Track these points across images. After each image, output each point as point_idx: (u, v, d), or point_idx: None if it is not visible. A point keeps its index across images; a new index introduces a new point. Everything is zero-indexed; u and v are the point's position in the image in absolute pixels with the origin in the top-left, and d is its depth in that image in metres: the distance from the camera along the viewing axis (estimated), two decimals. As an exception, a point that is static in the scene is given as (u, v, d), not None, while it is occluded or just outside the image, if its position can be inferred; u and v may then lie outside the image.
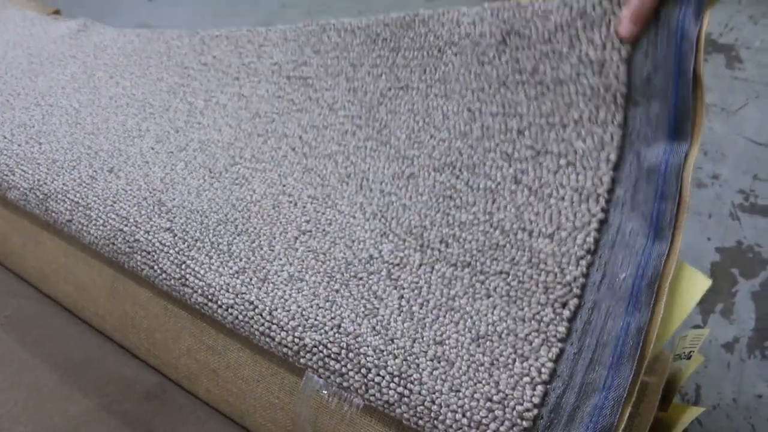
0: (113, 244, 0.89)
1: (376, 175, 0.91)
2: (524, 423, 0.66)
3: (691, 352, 0.82)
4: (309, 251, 0.84)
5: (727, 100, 1.91)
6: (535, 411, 0.67)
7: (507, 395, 0.68)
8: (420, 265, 0.81)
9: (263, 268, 0.81)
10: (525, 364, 0.70)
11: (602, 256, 0.75)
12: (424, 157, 0.89)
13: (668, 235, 0.70)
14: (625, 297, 0.70)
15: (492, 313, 0.75)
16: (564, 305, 0.73)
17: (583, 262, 0.74)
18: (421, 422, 0.69)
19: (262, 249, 0.84)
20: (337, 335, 0.74)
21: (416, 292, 0.78)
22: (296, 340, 0.75)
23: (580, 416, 0.66)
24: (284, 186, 0.94)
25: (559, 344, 0.71)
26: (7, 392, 0.98)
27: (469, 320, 0.75)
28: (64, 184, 0.95)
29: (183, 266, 0.83)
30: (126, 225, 0.88)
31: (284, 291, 0.78)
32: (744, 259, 1.42)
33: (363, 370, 0.72)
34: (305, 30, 1.11)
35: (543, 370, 0.70)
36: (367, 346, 0.72)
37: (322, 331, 0.74)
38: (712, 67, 2.07)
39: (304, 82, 1.05)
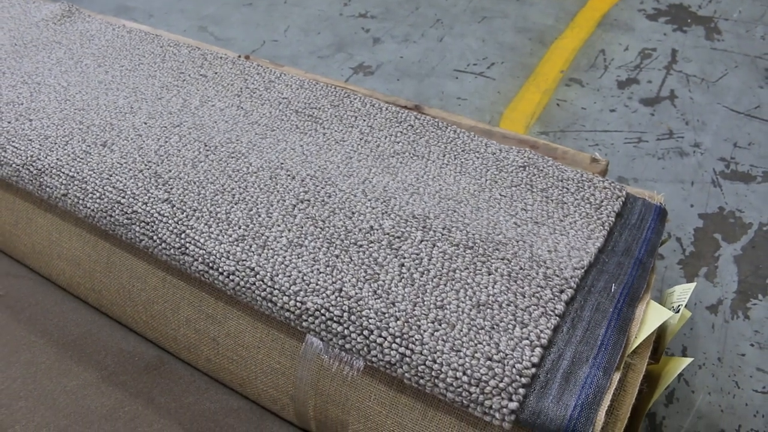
0: (111, 216, 0.89)
1: (380, 182, 0.94)
2: (523, 380, 0.68)
3: (680, 306, 0.84)
4: (307, 218, 0.85)
5: (706, 70, 1.94)
6: (534, 370, 0.69)
7: (507, 355, 0.70)
8: (421, 241, 0.83)
9: (262, 234, 0.83)
10: (525, 329, 0.73)
11: (598, 268, 0.83)
12: (433, 194, 0.93)
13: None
14: (612, 301, 0.79)
15: (493, 287, 0.78)
16: (561, 291, 0.78)
17: (579, 272, 0.81)
18: (422, 381, 0.71)
19: (260, 216, 0.85)
20: (338, 299, 0.75)
21: (417, 261, 0.80)
22: (298, 304, 0.76)
23: (574, 380, 0.69)
24: (282, 163, 0.95)
25: (557, 318, 0.74)
26: (4, 371, 0.98)
27: (469, 290, 0.77)
28: (57, 159, 0.95)
29: (182, 235, 0.84)
30: (123, 197, 0.89)
31: (284, 257, 0.80)
32: (726, 224, 1.45)
33: (365, 332, 0.73)
34: (326, 88, 1.15)
35: (542, 335, 0.72)
36: (369, 309, 0.74)
37: (324, 294, 0.76)
38: (692, 39, 2.10)
39: (314, 120, 1.08)
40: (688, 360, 0.80)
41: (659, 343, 0.84)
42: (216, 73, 1.20)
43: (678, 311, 0.85)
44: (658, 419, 1.11)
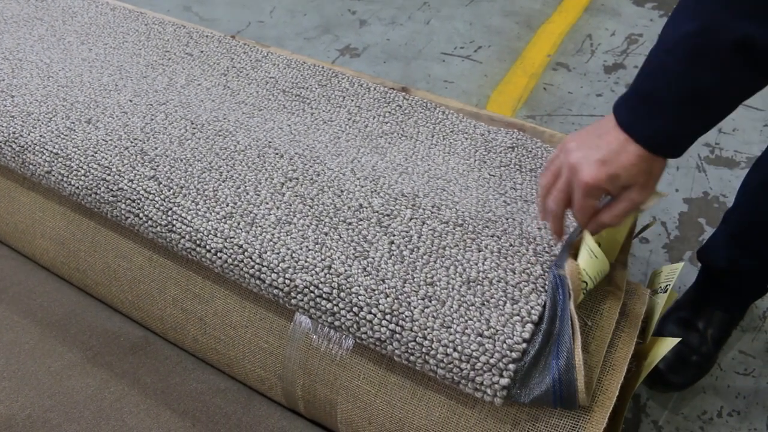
0: (96, 193, 0.88)
1: (368, 162, 0.93)
2: (513, 354, 0.68)
3: (667, 286, 0.85)
4: (296, 196, 0.84)
5: (692, 57, 1.94)
6: (524, 345, 0.69)
7: (498, 331, 0.70)
8: (411, 219, 0.82)
9: (250, 212, 0.82)
10: (515, 306, 0.72)
11: None
12: (422, 174, 0.92)
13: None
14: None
15: (483, 263, 0.77)
16: (551, 267, 0.76)
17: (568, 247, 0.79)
18: (412, 358, 0.71)
19: (248, 194, 0.84)
20: (327, 276, 0.75)
21: (407, 239, 0.79)
22: (287, 281, 0.75)
23: (551, 352, 0.69)
24: (270, 141, 0.94)
25: (546, 294, 0.74)
26: (-14, 350, 0.97)
27: (459, 267, 0.77)
28: (41, 135, 0.94)
29: (169, 213, 0.82)
30: (109, 174, 0.87)
31: (272, 234, 0.79)
32: (710, 208, 1.46)
33: (355, 309, 0.73)
34: (314, 67, 1.14)
35: (532, 311, 0.72)
36: (359, 286, 0.73)
37: (313, 272, 0.75)
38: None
39: (302, 100, 1.07)
40: (675, 340, 0.81)
41: (647, 324, 0.84)
42: (202, 52, 1.18)
43: (666, 291, 0.85)
44: (642, 400, 1.12)
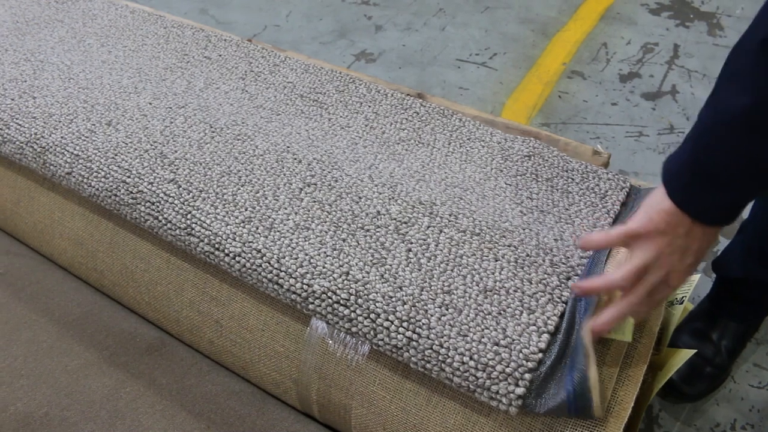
0: (116, 195, 0.89)
1: (386, 169, 0.93)
2: (529, 364, 0.68)
3: (683, 297, 0.85)
4: (314, 202, 0.85)
5: (708, 66, 1.94)
6: (540, 355, 0.69)
7: (514, 340, 0.70)
8: (428, 227, 0.82)
9: (269, 217, 0.82)
10: (532, 316, 0.73)
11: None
12: (439, 182, 0.93)
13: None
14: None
15: (500, 273, 0.77)
16: (568, 279, 0.77)
17: (585, 260, 0.80)
18: (428, 365, 0.71)
19: (266, 199, 0.85)
20: (345, 282, 0.75)
21: (424, 247, 0.80)
22: (305, 286, 0.76)
23: (567, 364, 0.69)
24: (288, 146, 0.94)
25: (563, 305, 0.74)
26: (5, 349, 0.97)
27: (476, 275, 0.77)
28: (62, 137, 0.95)
29: (188, 216, 0.83)
30: (129, 176, 0.88)
31: (291, 239, 0.79)
32: (725, 220, 1.45)
33: (372, 316, 0.73)
34: (331, 73, 1.14)
35: (549, 322, 0.72)
36: (376, 293, 0.74)
37: (331, 278, 0.76)
38: (694, 34, 2.10)
39: (319, 105, 1.07)
40: (691, 352, 0.81)
41: (662, 335, 0.84)
42: (220, 55, 1.19)
43: (682, 302, 0.85)
44: (654, 411, 1.12)
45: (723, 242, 1.39)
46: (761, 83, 0.58)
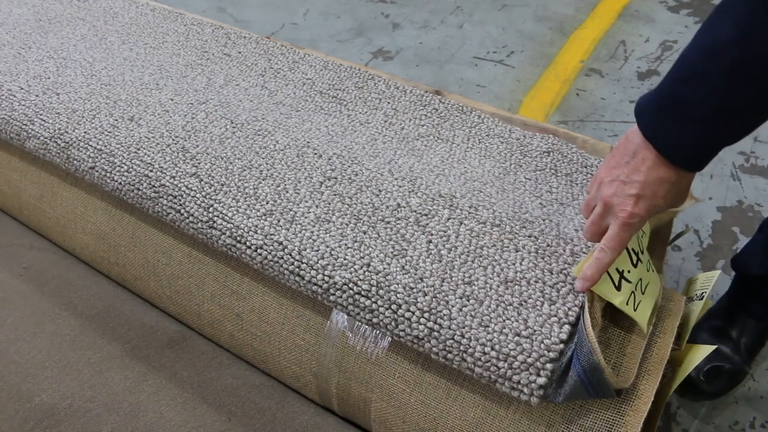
0: (138, 189, 0.90)
1: (405, 163, 0.94)
2: (551, 354, 0.68)
3: (703, 293, 0.85)
4: (335, 195, 0.85)
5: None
6: (562, 346, 0.69)
7: (535, 331, 0.70)
8: (448, 219, 0.83)
9: (290, 210, 0.83)
10: (553, 306, 0.73)
11: None
12: (459, 176, 0.93)
13: None
14: None
15: (520, 263, 0.77)
16: None
17: None
18: (450, 356, 0.72)
19: (287, 192, 0.86)
20: (366, 273, 0.76)
21: (444, 238, 0.80)
22: (326, 278, 0.76)
23: (574, 343, 0.70)
24: (309, 142, 0.95)
25: (584, 295, 0.74)
26: (29, 341, 0.99)
27: (497, 266, 0.77)
28: (85, 132, 0.96)
29: (210, 209, 0.84)
30: (151, 171, 0.89)
31: (312, 231, 0.80)
32: (744, 217, 1.45)
33: (393, 306, 0.74)
34: (350, 69, 1.15)
35: (570, 313, 0.72)
36: (397, 284, 0.74)
37: (352, 269, 0.76)
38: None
39: (338, 101, 1.08)
40: (710, 348, 0.80)
41: (682, 330, 0.84)
42: (240, 52, 1.20)
43: (701, 298, 0.85)
44: (672, 409, 1.11)
45: (742, 240, 1.38)
46: (748, 18, 0.57)
